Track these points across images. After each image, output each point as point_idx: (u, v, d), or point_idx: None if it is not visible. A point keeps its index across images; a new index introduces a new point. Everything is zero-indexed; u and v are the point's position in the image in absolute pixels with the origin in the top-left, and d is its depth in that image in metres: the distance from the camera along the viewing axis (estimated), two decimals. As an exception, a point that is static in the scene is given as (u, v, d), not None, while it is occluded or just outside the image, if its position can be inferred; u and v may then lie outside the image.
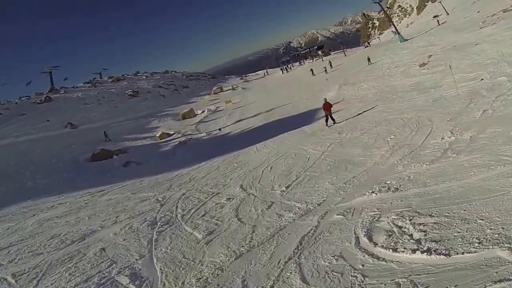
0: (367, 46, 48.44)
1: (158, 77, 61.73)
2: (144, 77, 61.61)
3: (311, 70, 34.68)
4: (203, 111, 28.83)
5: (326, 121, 12.84)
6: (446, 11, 54.43)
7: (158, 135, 22.38)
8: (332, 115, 12.97)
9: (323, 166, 8.12)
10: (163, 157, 17.38)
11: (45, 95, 41.96)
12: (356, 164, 7.47)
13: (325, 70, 32.01)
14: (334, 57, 42.77)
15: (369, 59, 25.22)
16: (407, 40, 31.03)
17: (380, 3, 40.42)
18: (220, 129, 21.01)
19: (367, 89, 19.16)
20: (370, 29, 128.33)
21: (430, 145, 7.16)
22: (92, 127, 27.85)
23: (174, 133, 22.64)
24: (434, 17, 54.58)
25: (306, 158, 9.23)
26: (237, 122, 22.61)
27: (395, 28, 40.34)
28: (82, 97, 42.13)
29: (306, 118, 15.78)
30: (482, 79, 11.69)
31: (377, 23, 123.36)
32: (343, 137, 10.40)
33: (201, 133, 21.72)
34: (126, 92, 46.19)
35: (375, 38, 69.78)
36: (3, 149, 20.14)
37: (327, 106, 12.73)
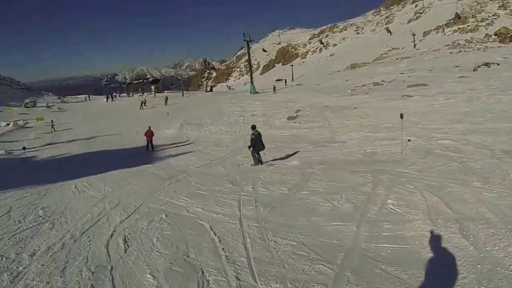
0: (209, 91, 48.60)
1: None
2: None
3: (143, 102, 31.36)
4: (8, 124, 23.59)
5: (147, 147, 14.16)
6: (293, 76, 59.00)
7: None
8: (154, 146, 14.43)
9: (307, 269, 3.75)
10: None
11: None
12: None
13: (142, 105, 30.31)
14: (169, 95, 38.58)
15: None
16: (258, 93, 31.29)
17: (250, 44, 37.35)
18: (24, 149, 16.52)
19: (219, 133, 17.38)
20: (205, 79, 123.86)
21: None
22: None
23: (-36, 143, 17.29)
24: (277, 80, 55.87)
25: (204, 229, 5.07)
26: (47, 144, 18.46)
27: (251, 77, 37.93)
28: None
29: (144, 155, 12.73)
30: (409, 140, 10.28)
31: (214, 74, 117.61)
32: (261, 193, 6.59)
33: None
34: None
35: (206, 90, 59.24)
36: None
37: (150, 134, 14.33)
